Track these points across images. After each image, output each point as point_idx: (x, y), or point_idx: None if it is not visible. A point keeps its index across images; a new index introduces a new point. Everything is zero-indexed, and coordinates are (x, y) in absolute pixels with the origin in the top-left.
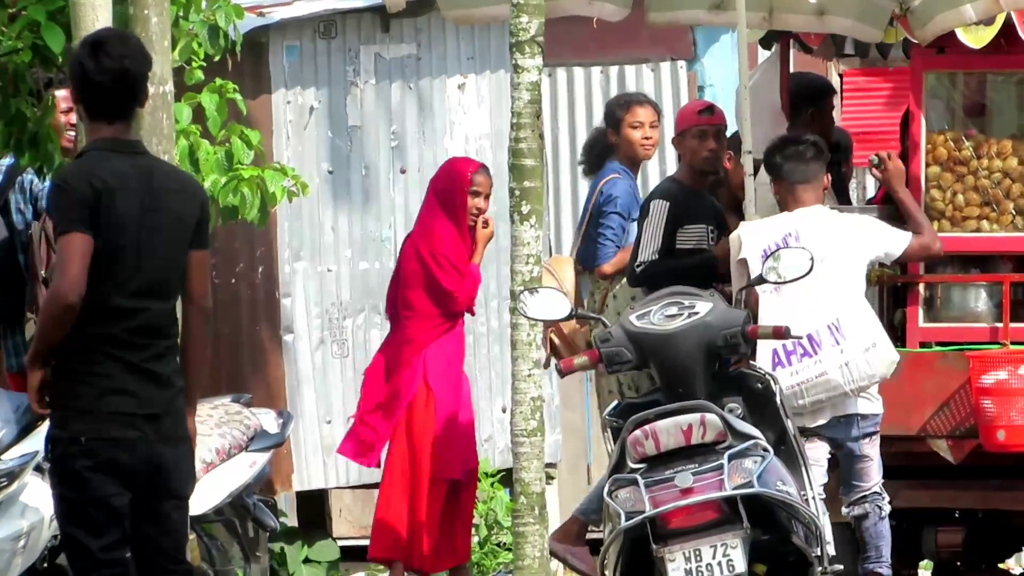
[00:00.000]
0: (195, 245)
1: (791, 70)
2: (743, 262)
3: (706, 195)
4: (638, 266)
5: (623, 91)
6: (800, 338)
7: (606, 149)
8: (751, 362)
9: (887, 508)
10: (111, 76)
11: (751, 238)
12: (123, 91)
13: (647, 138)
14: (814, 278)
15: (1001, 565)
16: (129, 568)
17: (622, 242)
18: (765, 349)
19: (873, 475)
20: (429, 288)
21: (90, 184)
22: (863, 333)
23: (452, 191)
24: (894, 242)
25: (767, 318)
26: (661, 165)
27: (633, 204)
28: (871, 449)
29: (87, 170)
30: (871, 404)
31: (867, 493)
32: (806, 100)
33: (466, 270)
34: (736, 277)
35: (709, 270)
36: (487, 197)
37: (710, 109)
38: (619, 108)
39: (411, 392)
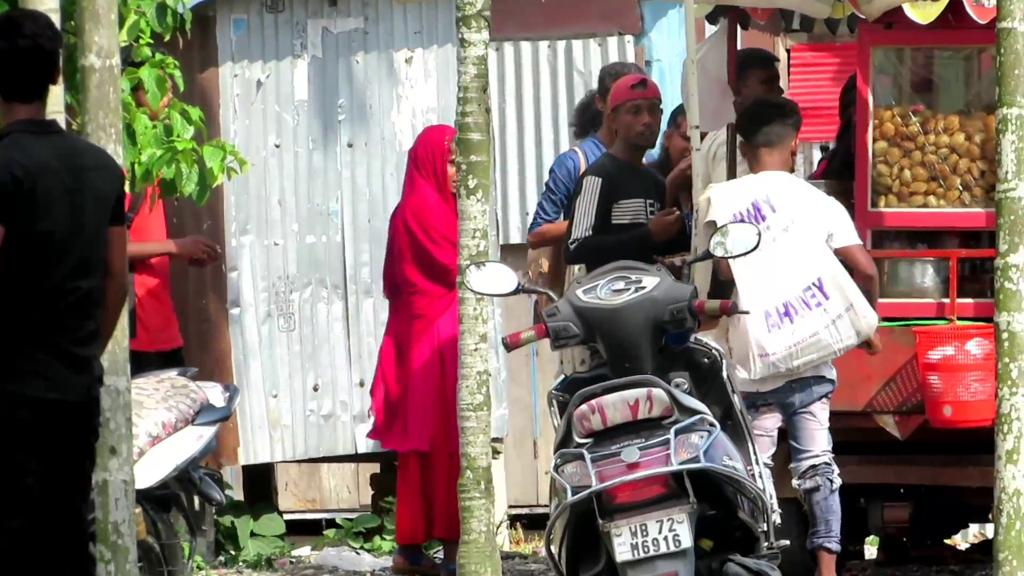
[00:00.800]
0: (114, 221)
1: (738, 45)
2: (712, 224)
3: (644, 169)
4: (572, 243)
5: (571, 66)
6: (747, 313)
7: (597, 114)
8: (696, 336)
9: (837, 481)
10: (26, 55)
11: (720, 201)
12: (39, 70)
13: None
14: (789, 241)
15: (947, 540)
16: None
17: (555, 217)
18: (758, 314)
19: (823, 441)
20: (425, 263)
21: (10, 173)
22: (844, 292)
23: (432, 161)
24: (845, 235)
25: (745, 282)
26: None
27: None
28: (823, 413)
29: (6, 157)
30: (831, 369)
31: (817, 464)
32: (750, 66)
33: (457, 240)
34: (702, 239)
35: (643, 244)
36: None
37: (643, 83)
38: (609, 77)
39: (432, 367)
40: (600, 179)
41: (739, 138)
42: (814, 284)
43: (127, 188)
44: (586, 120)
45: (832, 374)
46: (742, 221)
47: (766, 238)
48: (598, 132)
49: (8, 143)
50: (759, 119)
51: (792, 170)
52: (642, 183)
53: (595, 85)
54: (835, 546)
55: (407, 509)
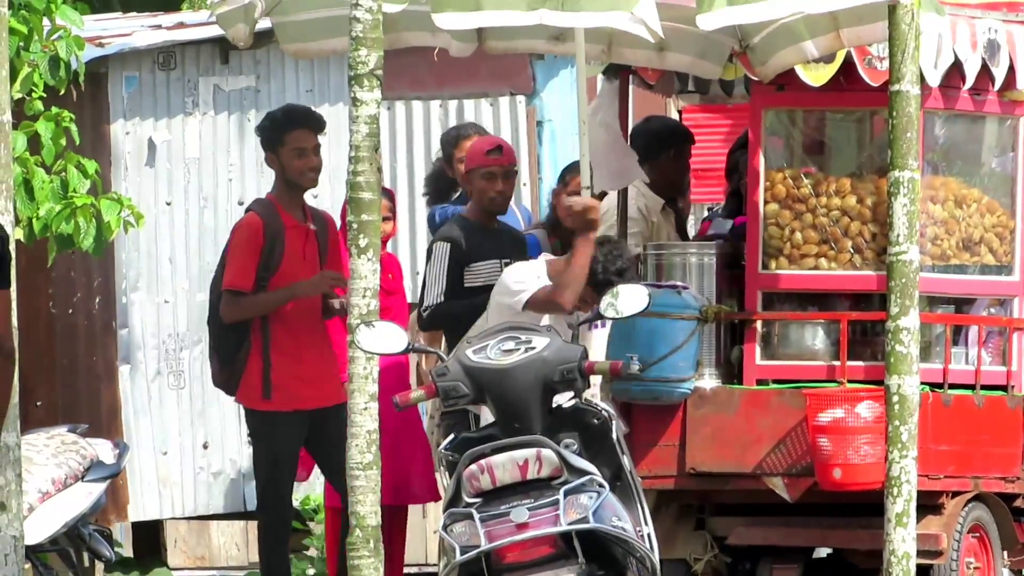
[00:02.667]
0: None
1: (630, 105)
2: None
3: (500, 228)
4: (424, 310)
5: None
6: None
7: (452, 181)
8: (588, 399)
9: None
10: None
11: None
12: None
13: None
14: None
15: None
16: None
17: None
18: None
19: None
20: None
21: None
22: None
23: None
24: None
25: None
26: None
27: None
28: None
29: None
30: None
31: None
32: (666, 142)
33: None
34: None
35: None
36: (387, 220)
37: (499, 149)
38: (448, 144)
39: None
40: (448, 244)
41: None
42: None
43: (25, 242)
44: (439, 188)
45: None
46: None
47: None
48: (453, 199)
49: None
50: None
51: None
52: (497, 244)
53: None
54: None
55: (329, 563)
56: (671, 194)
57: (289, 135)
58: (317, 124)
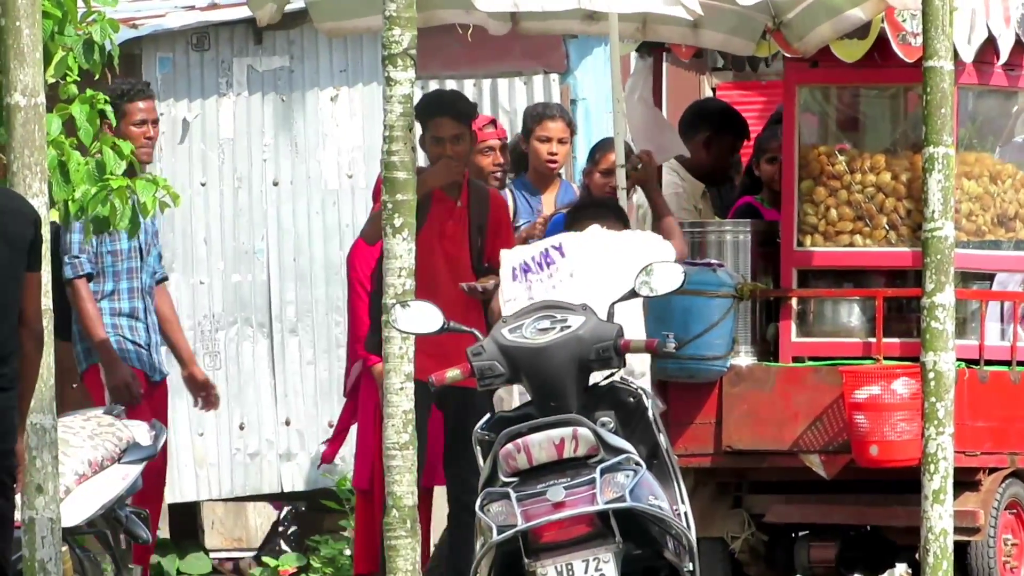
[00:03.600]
0: (29, 267)
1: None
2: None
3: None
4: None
5: (498, 104)
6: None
7: (524, 155)
8: (624, 376)
9: None
10: None
11: (511, 255)
12: None
13: (552, 154)
14: (573, 288)
15: None
16: None
17: None
18: None
19: None
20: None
21: None
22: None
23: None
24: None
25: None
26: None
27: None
28: None
29: None
30: None
31: None
32: (697, 124)
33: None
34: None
35: None
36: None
37: (493, 123)
38: (531, 119)
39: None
40: None
41: None
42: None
43: (61, 223)
44: (514, 160)
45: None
46: (527, 268)
47: (548, 283)
48: (527, 172)
49: None
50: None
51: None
52: None
53: (520, 124)
54: None
55: (356, 543)
56: (709, 180)
57: (430, 121)
58: (458, 112)
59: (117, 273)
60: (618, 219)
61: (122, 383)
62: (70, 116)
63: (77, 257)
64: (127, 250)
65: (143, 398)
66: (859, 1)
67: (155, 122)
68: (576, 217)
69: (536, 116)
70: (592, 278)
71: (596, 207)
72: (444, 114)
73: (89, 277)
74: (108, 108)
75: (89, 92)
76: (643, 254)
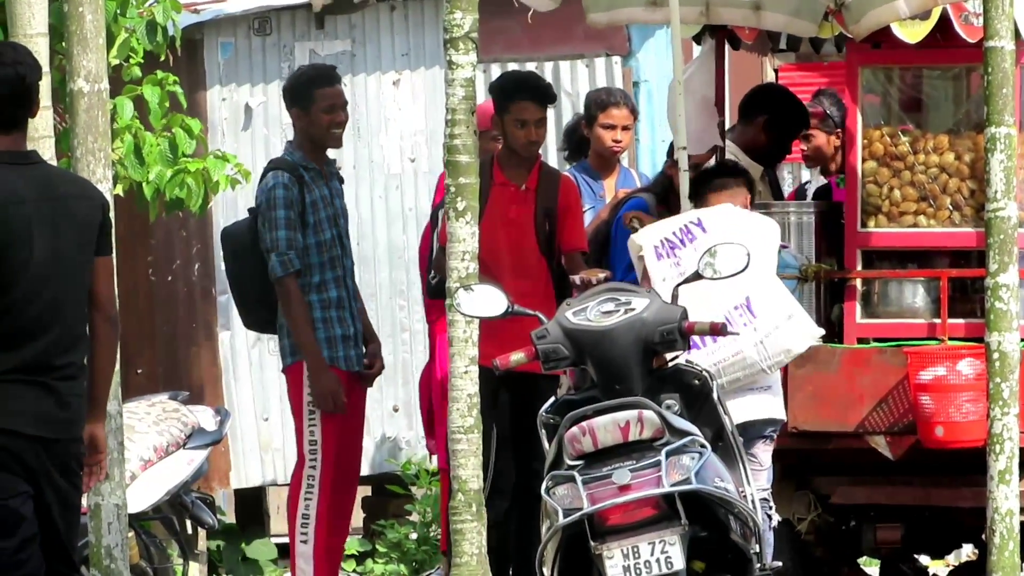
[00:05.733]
0: (99, 251)
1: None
2: (640, 259)
3: None
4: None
5: (559, 87)
6: (738, 334)
7: (584, 138)
8: (688, 358)
9: (776, 517)
10: (7, 85)
11: (647, 234)
12: (18, 100)
13: (617, 141)
14: None
15: (940, 561)
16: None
17: None
18: None
19: (762, 481)
20: None
21: None
22: (776, 309)
23: None
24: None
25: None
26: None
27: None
28: (764, 455)
29: None
30: (779, 409)
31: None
32: (755, 107)
33: None
34: (641, 280)
35: None
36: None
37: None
38: (595, 105)
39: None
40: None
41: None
42: (742, 304)
43: (137, 206)
44: (574, 143)
45: (780, 414)
46: (670, 244)
47: (692, 258)
48: (587, 156)
49: None
50: (707, 179)
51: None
52: None
53: (583, 106)
54: None
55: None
56: (767, 162)
57: (513, 104)
58: (543, 96)
59: (323, 264)
60: (747, 185)
61: (328, 391)
62: (138, 98)
63: (286, 254)
64: (329, 240)
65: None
66: None
67: (343, 106)
68: (706, 184)
69: (600, 103)
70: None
71: (726, 175)
72: (529, 97)
73: (298, 273)
74: (178, 90)
75: (159, 74)
76: (766, 233)
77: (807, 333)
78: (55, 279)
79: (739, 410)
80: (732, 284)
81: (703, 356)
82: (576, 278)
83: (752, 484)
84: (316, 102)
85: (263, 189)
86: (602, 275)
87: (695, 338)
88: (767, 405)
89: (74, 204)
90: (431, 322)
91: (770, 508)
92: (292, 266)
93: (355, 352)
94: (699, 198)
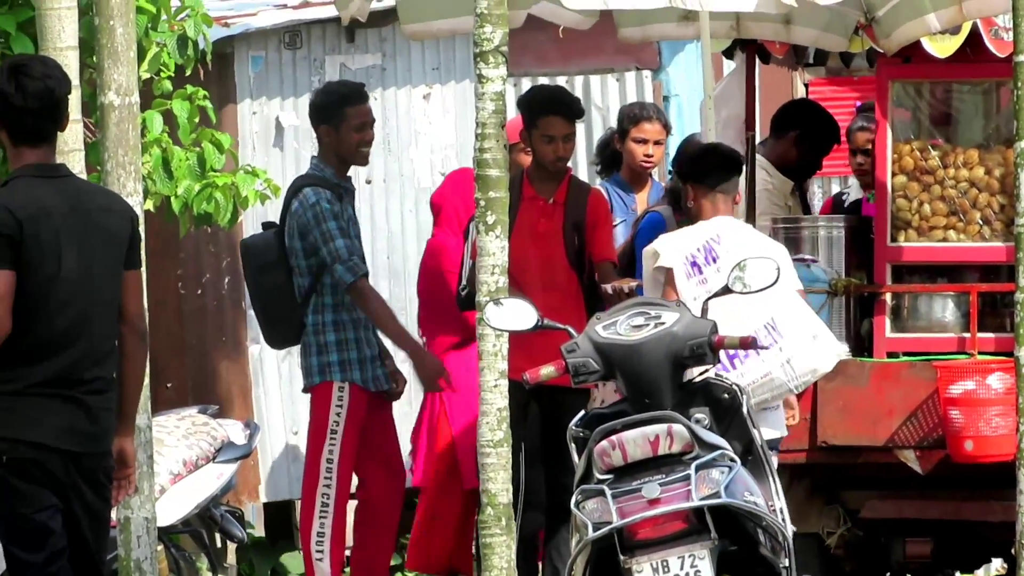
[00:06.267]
0: (128, 265)
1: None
2: (661, 271)
3: None
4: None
5: (590, 101)
6: (767, 348)
7: (617, 153)
8: (718, 373)
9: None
10: (36, 98)
11: (669, 248)
12: (48, 113)
13: (648, 155)
14: None
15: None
16: None
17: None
18: None
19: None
20: None
21: (13, 216)
22: (801, 328)
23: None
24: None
25: None
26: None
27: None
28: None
29: (10, 201)
30: (781, 425)
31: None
32: (787, 123)
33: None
34: (651, 288)
35: None
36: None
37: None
38: (628, 120)
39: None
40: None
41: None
42: (768, 324)
43: (166, 220)
44: (606, 157)
45: (785, 430)
46: (694, 263)
47: (717, 279)
48: (620, 170)
49: (11, 188)
50: (716, 165)
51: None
52: None
53: (613, 120)
54: None
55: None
56: (797, 177)
57: (542, 119)
58: (571, 111)
59: None
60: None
61: (436, 373)
62: (168, 112)
63: (349, 260)
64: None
65: (372, 415)
66: (940, 6)
67: (372, 124)
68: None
69: (632, 117)
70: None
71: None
72: (557, 113)
73: (366, 275)
74: (208, 105)
75: (189, 88)
76: (781, 253)
77: (833, 352)
78: (83, 292)
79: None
80: (758, 303)
81: (733, 378)
82: (608, 287)
83: (782, 497)
84: (347, 120)
85: (306, 205)
86: (633, 283)
87: (725, 360)
88: (776, 422)
89: (103, 217)
90: (428, 340)
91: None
92: (360, 270)
93: (382, 371)
94: (706, 192)
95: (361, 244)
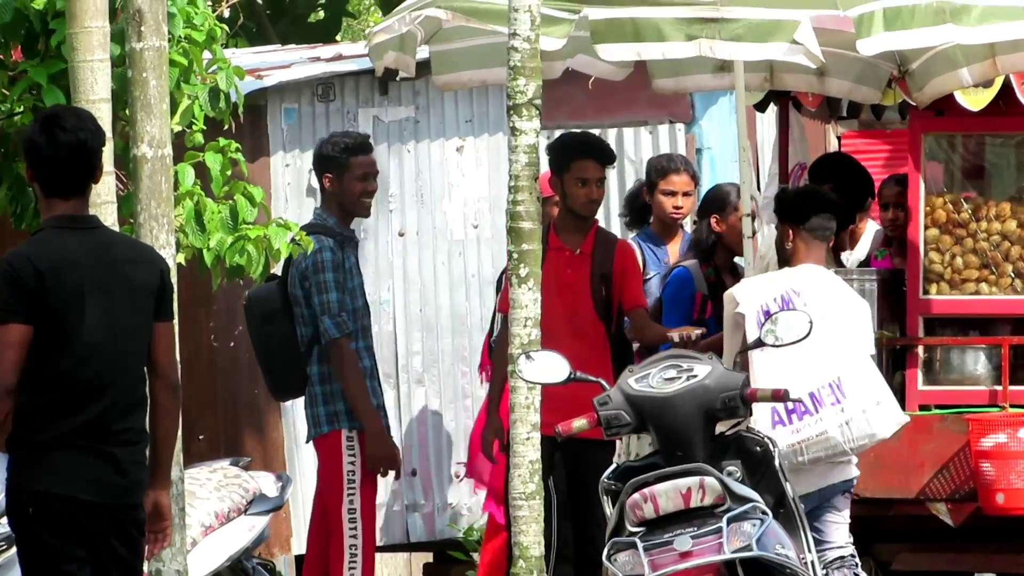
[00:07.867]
0: (159, 316)
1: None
2: (740, 316)
3: None
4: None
5: (622, 153)
6: (799, 400)
7: (646, 205)
8: (750, 425)
9: (862, 574)
10: (68, 150)
11: (748, 294)
12: (79, 165)
13: (677, 207)
14: (815, 335)
15: None
16: None
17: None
18: (764, 407)
19: (845, 533)
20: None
21: (34, 267)
22: (865, 392)
23: None
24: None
25: (764, 375)
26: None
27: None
28: (845, 507)
29: (33, 253)
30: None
31: (844, 555)
32: (820, 175)
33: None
34: (729, 333)
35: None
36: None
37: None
38: (656, 172)
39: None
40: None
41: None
42: (833, 383)
43: (199, 273)
44: (635, 210)
45: (853, 471)
46: (768, 312)
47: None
48: (650, 223)
49: (37, 239)
50: (819, 209)
51: (828, 266)
52: None
53: (644, 173)
54: None
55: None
56: None
57: (575, 163)
58: (604, 155)
59: (357, 332)
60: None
61: (388, 455)
62: (200, 164)
63: (340, 316)
64: (362, 307)
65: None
66: (973, 60)
67: (376, 175)
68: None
69: (660, 170)
70: (833, 326)
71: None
72: (590, 156)
73: (350, 335)
74: (240, 157)
75: (221, 141)
76: (861, 312)
77: (894, 420)
78: (109, 344)
79: (823, 475)
80: (828, 360)
81: (787, 434)
82: (674, 334)
83: (813, 550)
84: (351, 169)
85: (307, 253)
86: (698, 331)
87: (781, 415)
88: (847, 468)
89: (129, 269)
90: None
91: (856, 564)
92: (346, 328)
93: (386, 422)
94: (803, 233)
95: (364, 292)
